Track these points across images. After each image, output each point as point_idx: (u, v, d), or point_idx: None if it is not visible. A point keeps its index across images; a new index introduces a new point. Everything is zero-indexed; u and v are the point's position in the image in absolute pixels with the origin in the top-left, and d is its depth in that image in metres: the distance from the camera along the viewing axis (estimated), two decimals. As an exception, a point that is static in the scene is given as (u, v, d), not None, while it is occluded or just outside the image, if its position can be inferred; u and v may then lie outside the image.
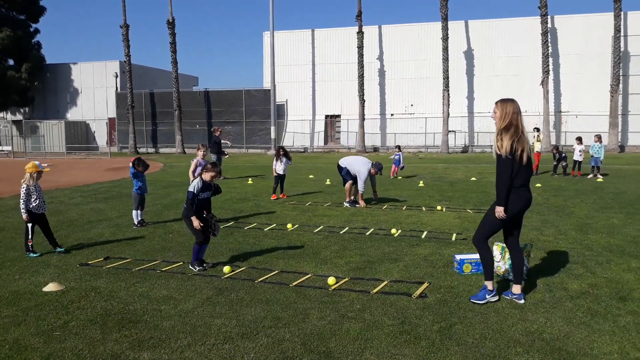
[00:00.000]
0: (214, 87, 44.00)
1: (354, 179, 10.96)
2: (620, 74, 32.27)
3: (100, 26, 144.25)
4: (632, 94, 33.44)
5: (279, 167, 12.43)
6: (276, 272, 6.02)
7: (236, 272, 6.05)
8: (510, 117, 4.73)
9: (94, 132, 44.29)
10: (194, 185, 6.14)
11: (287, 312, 4.73)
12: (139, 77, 43.20)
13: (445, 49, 33.99)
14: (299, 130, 39.80)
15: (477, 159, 28.62)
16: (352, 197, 11.10)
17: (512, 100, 4.84)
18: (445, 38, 33.90)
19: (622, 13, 31.71)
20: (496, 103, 4.90)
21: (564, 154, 17.67)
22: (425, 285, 5.47)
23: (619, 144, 32.38)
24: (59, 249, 7.06)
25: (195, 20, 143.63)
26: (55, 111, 44.90)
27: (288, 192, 13.46)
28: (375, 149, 37.56)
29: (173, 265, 6.36)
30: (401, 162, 17.60)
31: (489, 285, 4.98)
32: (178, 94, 38.97)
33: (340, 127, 39.55)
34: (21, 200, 6.94)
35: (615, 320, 4.49)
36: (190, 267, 6.16)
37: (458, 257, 6.02)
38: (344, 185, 11.16)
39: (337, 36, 39.01)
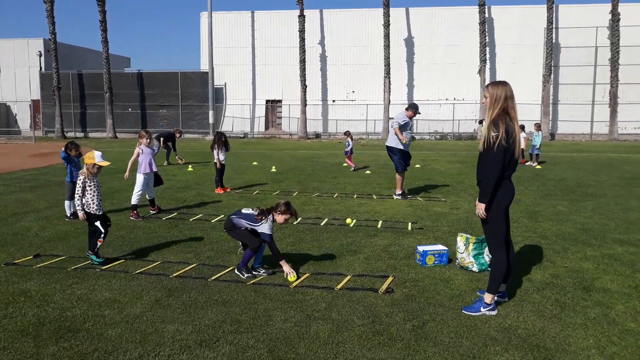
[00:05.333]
0: (148, 68, 42.14)
1: (406, 164, 10.37)
2: (552, 64, 33.65)
3: (21, 0, 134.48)
4: (562, 84, 34.99)
5: (222, 157, 11.11)
6: (230, 268, 5.58)
7: (186, 269, 5.56)
8: (501, 103, 4.26)
9: (16, 114, 41.30)
10: (269, 226, 5.29)
11: (248, 314, 4.33)
12: (66, 56, 40.50)
13: (387, 36, 34.09)
14: (239, 115, 38.86)
15: (417, 145, 28.91)
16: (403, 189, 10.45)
17: (504, 84, 4.34)
18: (386, 25, 33.99)
19: (554, 6, 32.99)
20: (486, 87, 4.42)
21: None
22: (390, 279, 5.23)
23: (550, 131, 33.86)
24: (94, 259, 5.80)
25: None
26: (-29, 91, 41.48)
27: (232, 180, 12.92)
28: (317, 136, 37.33)
29: (114, 263, 5.77)
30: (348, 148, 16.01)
31: (488, 298, 4.40)
32: (109, 76, 36.91)
33: (281, 112, 38.95)
34: (76, 196, 5.83)
35: (584, 312, 4.42)
36: (237, 272, 5.35)
37: (420, 248, 5.83)
38: (397, 171, 10.35)
39: (278, 19, 38.20)
